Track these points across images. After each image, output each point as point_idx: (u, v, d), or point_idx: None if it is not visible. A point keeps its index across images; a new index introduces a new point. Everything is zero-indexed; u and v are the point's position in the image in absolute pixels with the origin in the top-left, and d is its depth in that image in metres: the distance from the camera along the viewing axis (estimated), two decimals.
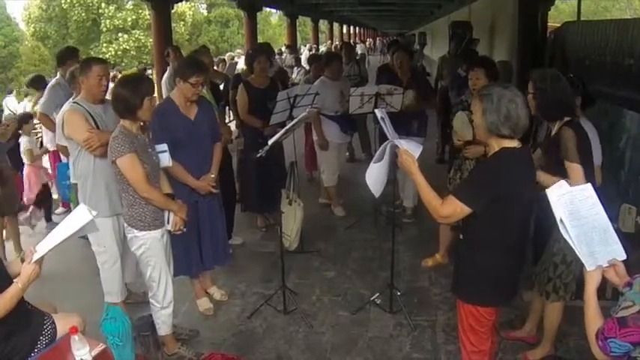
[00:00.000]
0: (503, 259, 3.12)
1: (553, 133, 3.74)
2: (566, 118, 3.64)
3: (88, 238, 4.66)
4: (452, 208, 3.02)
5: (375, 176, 3.68)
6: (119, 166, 3.79)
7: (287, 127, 4.86)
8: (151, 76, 11.07)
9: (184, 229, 4.25)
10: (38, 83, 8.12)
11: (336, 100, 7.04)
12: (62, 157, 6.38)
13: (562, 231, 2.56)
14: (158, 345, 2.80)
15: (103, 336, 3.35)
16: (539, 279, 4.07)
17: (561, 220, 2.54)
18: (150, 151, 4.01)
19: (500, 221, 3.02)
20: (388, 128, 3.55)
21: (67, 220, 3.38)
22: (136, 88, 3.79)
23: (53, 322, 3.39)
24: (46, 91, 6.82)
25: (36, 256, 3.33)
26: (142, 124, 3.98)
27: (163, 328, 4.26)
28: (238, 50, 17.31)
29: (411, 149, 3.29)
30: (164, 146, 4.27)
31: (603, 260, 2.50)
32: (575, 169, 3.52)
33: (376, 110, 3.72)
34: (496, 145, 3.02)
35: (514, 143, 2.99)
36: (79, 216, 3.34)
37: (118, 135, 3.79)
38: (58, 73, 6.64)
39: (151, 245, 4.04)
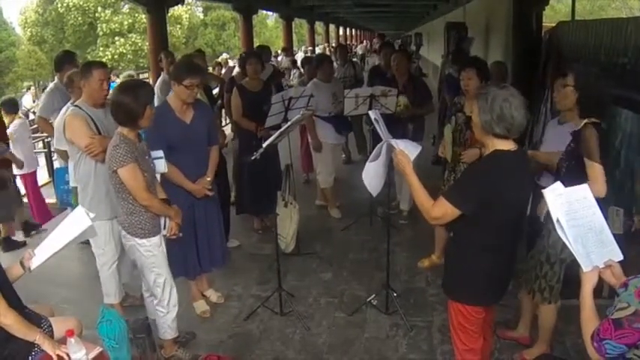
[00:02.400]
0: (492, 259, 3.14)
1: (577, 129, 3.67)
2: (593, 120, 3.58)
3: (89, 242, 4.69)
4: (442, 210, 3.03)
5: (371, 175, 3.68)
6: (121, 176, 3.74)
7: (281, 130, 4.87)
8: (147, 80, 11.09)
9: (180, 235, 4.26)
10: (9, 107, 8.11)
11: (328, 101, 7.08)
12: (59, 162, 6.43)
13: (559, 231, 2.56)
14: (154, 347, 2.81)
15: (100, 339, 3.37)
16: (526, 276, 4.09)
17: (558, 221, 2.54)
18: (147, 158, 4.00)
19: (488, 223, 3.03)
20: (382, 129, 3.55)
21: (66, 224, 3.38)
22: (137, 96, 3.70)
23: (50, 326, 3.39)
24: (44, 95, 6.85)
25: (35, 262, 3.34)
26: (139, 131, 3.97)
27: (169, 332, 4.29)
28: (225, 55, 17.23)
29: (408, 150, 3.30)
30: (160, 152, 4.27)
31: (599, 261, 2.50)
32: (597, 168, 3.45)
33: (370, 112, 3.72)
34: (491, 145, 3.02)
35: (509, 145, 2.99)
36: (78, 221, 3.34)
37: (119, 144, 3.72)
38: (56, 78, 6.66)
39: (153, 252, 4.03)
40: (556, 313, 4.08)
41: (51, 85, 6.77)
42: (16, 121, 7.79)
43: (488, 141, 3.03)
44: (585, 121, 3.60)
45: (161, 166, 4.28)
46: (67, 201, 6.04)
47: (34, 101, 20.81)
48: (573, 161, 3.63)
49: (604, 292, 3.70)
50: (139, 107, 3.71)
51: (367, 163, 3.63)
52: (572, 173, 3.47)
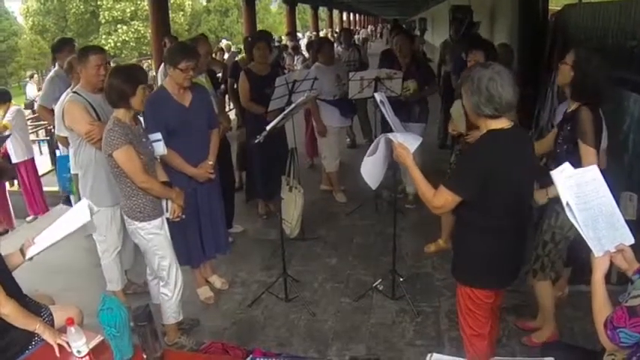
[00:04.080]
0: (497, 241, 3.08)
1: (569, 110, 3.64)
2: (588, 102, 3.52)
3: None
4: (443, 199, 2.99)
5: (369, 169, 3.64)
6: (116, 159, 3.72)
7: (285, 113, 4.81)
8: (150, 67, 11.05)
9: (183, 216, 4.23)
10: (3, 96, 8.07)
11: (332, 84, 6.99)
12: (61, 149, 6.40)
13: (569, 215, 2.49)
14: (156, 335, 2.76)
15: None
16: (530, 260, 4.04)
17: (568, 204, 2.47)
18: (144, 140, 3.96)
19: (490, 204, 2.97)
20: (388, 112, 3.50)
21: (68, 216, 3.39)
22: (129, 77, 3.72)
23: (50, 314, 3.36)
24: (44, 84, 6.82)
25: (32, 251, 3.30)
26: (134, 114, 3.92)
27: (173, 316, 4.28)
28: (225, 41, 17.15)
29: (408, 142, 3.26)
30: (158, 135, 4.23)
31: (610, 245, 2.43)
32: (590, 153, 3.41)
33: (375, 94, 3.68)
34: (484, 126, 2.98)
35: (502, 123, 2.93)
36: (79, 215, 3.32)
37: (112, 127, 3.71)
38: (56, 65, 6.60)
39: (155, 235, 4.01)
40: (550, 289, 4.04)
41: (51, 73, 6.71)
42: (12, 109, 7.79)
43: (482, 122, 2.99)
44: (577, 103, 3.54)
45: (160, 148, 4.24)
46: (70, 189, 6.02)
47: (38, 90, 20.80)
48: (572, 144, 3.55)
49: (612, 279, 3.63)
50: (130, 87, 3.70)
51: (365, 158, 3.59)
52: (573, 157, 3.38)
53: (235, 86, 7.18)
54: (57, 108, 5.09)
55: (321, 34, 26.32)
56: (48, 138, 9.70)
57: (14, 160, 7.93)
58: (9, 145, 7.86)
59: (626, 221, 2.52)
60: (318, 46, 7.51)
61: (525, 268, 3.90)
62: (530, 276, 4.12)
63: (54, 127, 6.79)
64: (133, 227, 4.01)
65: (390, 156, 3.44)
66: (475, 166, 2.95)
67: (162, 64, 8.18)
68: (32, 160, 8.20)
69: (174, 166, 4.49)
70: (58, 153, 7.10)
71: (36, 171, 8.26)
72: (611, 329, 2.21)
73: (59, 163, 6.27)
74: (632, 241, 2.47)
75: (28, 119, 9.05)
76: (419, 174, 3.13)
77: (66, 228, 3.31)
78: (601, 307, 2.33)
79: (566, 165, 2.57)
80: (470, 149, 3.13)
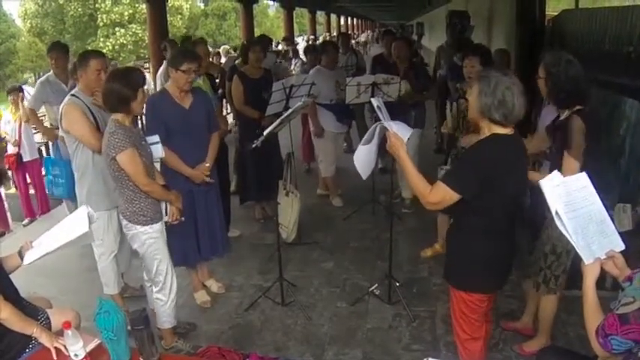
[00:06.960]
0: (491, 245, 3.09)
1: (562, 118, 3.61)
2: (578, 107, 3.50)
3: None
4: (441, 195, 2.97)
5: (362, 158, 3.63)
6: (120, 162, 3.70)
7: (282, 118, 4.81)
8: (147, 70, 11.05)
9: (182, 219, 4.24)
10: (18, 89, 8.09)
11: (331, 89, 7.00)
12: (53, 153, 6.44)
13: (558, 223, 2.50)
14: (153, 339, 2.77)
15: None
16: (532, 269, 4.03)
17: (557, 213, 2.48)
18: (143, 143, 3.96)
19: (486, 207, 2.98)
20: (384, 117, 3.50)
21: (66, 223, 3.35)
22: (128, 80, 3.70)
23: (48, 318, 3.36)
24: (35, 87, 6.84)
25: (28, 257, 3.29)
26: (133, 117, 3.92)
27: (169, 321, 4.28)
28: (226, 46, 17.11)
29: (400, 132, 3.24)
30: (156, 137, 4.25)
31: (600, 252, 2.45)
32: (572, 163, 3.38)
33: (372, 99, 3.67)
34: (487, 129, 2.98)
35: (506, 130, 2.95)
36: (78, 223, 3.29)
37: (115, 130, 3.68)
38: (51, 70, 6.60)
39: (156, 239, 4.01)
40: (557, 303, 4.04)
41: (43, 77, 6.71)
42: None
43: (485, 125, 2.99)
44: (568, 111, 3.53)
45: (158, 151, 4.26)
46: (53, 191, 6.01)
47: None
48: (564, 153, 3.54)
49: (607, 284, 3.64)
50: (131, 91, 3.69)
51: (359, 146, 3.57)
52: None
53: None
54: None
55: (320, 38, 26.38)
56: (43, 141, 9.72)
57: (25, 158, 7.96)
58: (23, 143, 7.90)
59: (623, 232, 2.53)
60: (323, 48, 7.53)
61: (518, 272, 3.91)
62: (529, 283, 4.14)
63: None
64: (134, 232, 3.98)
65: (383, 145, 3.43)
66: (478, 165, 2.94)
67: (161, 67, 8.21)
68: (38, 160, 8.23)
69: (171, 166, 4.52)
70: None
71: (40, 173, 8.27)
72: (602, 337, 2.22)
73: (45, 166, 6.29)
74: (622, 247, 2.49)
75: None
76: (411, 166, 3.10)
77: (64, 237, 3.28)
78: (592, 313, 2.35)
79: (555, 173, 2.59)
80: (473, 149, 3.12)
